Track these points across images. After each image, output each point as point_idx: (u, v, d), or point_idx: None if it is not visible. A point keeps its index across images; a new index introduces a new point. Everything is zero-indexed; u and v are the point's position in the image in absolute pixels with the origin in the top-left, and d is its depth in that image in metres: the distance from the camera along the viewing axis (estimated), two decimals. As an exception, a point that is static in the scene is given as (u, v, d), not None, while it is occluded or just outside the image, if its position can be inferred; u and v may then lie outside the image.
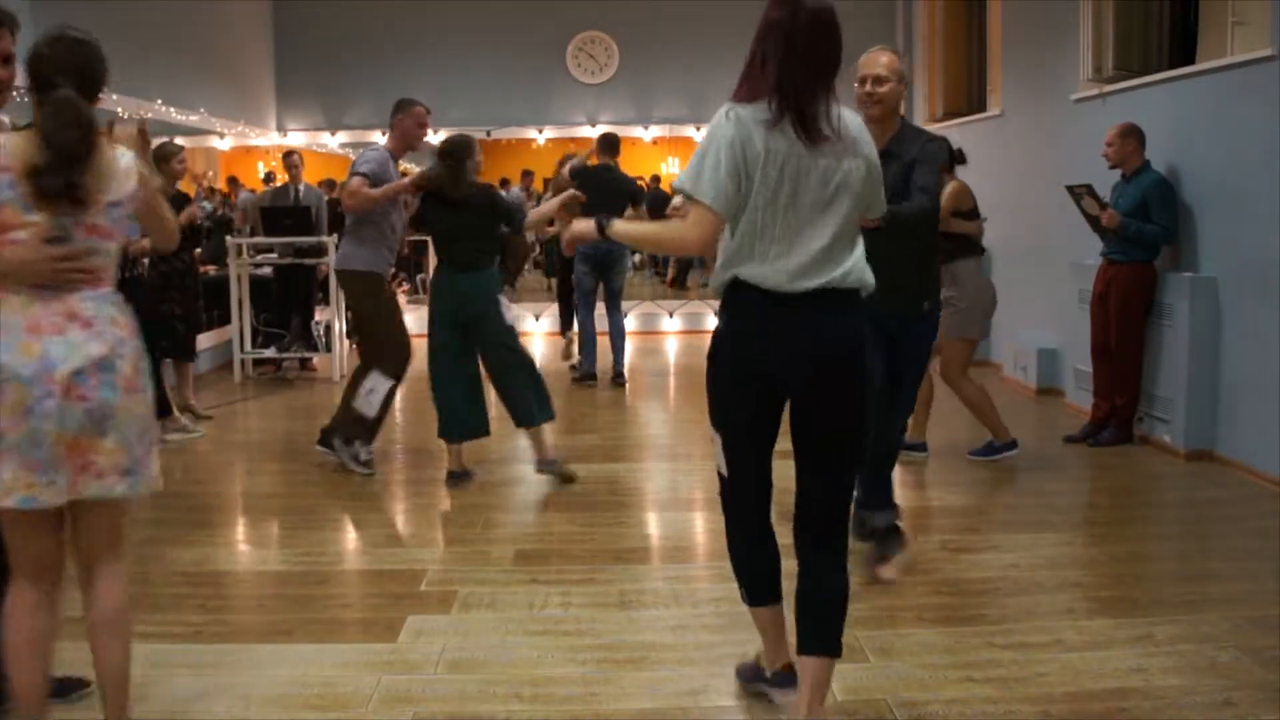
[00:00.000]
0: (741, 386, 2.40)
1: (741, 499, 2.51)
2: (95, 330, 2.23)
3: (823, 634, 2.40)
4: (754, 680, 2.71)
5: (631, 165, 11.65)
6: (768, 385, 2.38)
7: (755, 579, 2.55)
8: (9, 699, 2.32)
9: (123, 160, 2.31)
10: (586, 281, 7.18)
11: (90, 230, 2.24)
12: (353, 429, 4.98)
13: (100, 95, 2.32)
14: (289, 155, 8.08)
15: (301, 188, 7.95)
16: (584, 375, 7.27)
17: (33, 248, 2.17)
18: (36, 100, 2.23)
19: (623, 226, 2.55)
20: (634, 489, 4.85)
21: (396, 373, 4.97)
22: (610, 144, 7.20)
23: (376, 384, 4.88)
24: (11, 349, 2.16)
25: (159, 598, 3.48)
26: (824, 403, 2.37)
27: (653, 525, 4.33)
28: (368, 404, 4.88)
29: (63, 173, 2.17)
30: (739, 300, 2.36)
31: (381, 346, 4.96)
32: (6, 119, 2.58)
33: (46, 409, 2.16)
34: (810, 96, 2.26)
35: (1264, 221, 4.68)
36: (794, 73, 2.24)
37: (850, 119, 2.36)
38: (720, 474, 2.51)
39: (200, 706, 2.73)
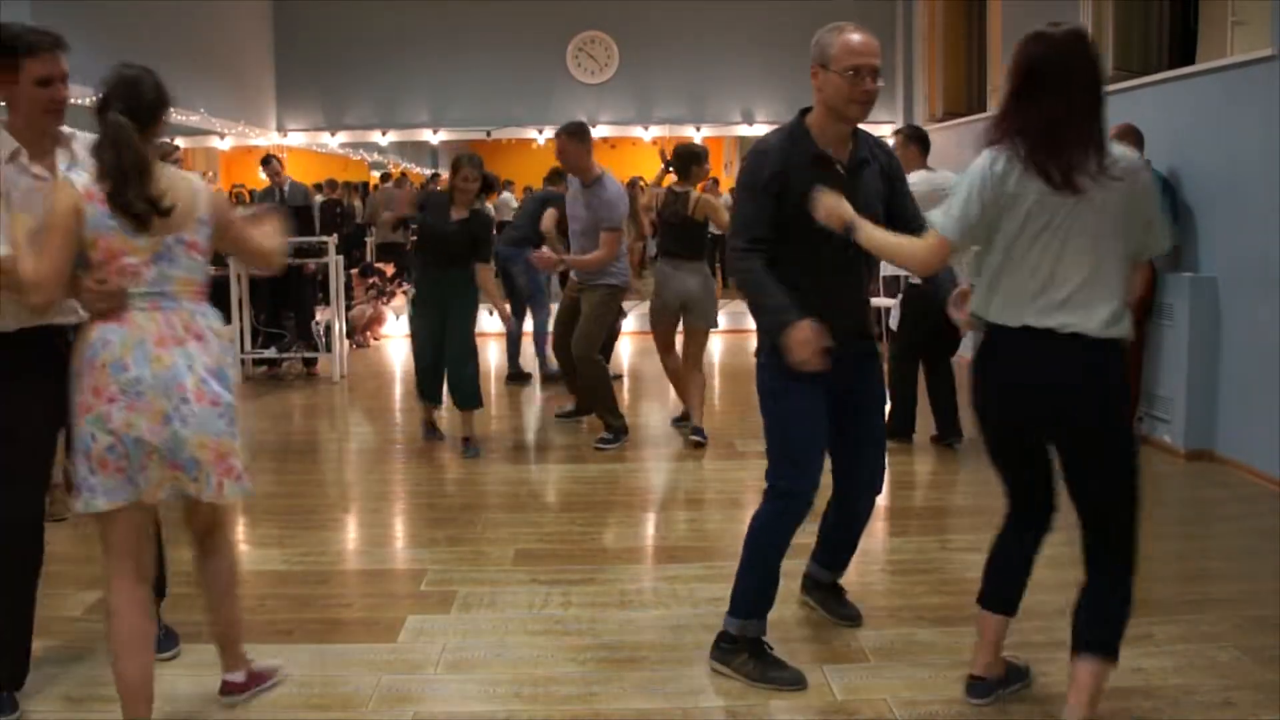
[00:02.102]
0: None
1: None
2: (206, 341, 2.45)
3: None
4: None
5: (632, 166, 11.71)
6: None
7: None
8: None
9: (193, 180, 2.52)
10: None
11: (191, 247, 2.45)
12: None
13: (156, 123, 2.47)
14: (268, 162, 8.08)
15: (286, 188, 7.96)
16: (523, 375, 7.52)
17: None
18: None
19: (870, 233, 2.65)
20: (634, 489, 4.85)
21: None
22: (559, 175, 7.43)
23: None
24: (144, 362, 2.35)
25: (159, 598, 3.48)
26: None
27: (653, 525, 4.33)
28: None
29: (132, 190, 2.33)
30: None
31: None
32: (72, 130, 2.76)
33: (185, 415, 2.36)
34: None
35: (1264, 221, 4.68)
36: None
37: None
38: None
39: (200, 706, 2.73)
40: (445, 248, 5.23)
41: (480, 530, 4.20)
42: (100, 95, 2.40)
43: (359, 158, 11.48)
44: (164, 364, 2.36)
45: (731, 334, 10.09)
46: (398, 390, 7.54)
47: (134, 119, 2.37)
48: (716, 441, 5.65)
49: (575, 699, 2.76)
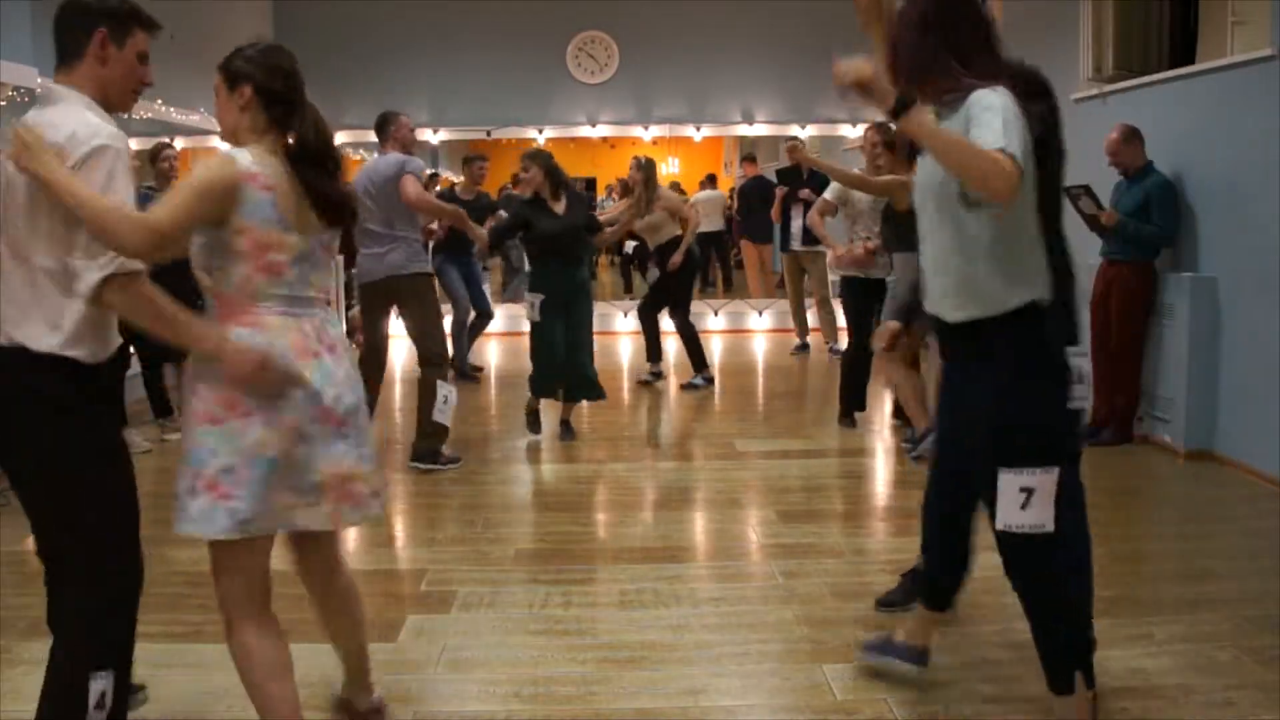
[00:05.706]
0: None
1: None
2: (339, 354, 2.21)
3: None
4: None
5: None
6: None
7: None
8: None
9: None
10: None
11: (326, 250, 2.22)
12: (436, 440, 5.12)
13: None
14: None
15: None
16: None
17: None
18: (281, 115, 2.16)
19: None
20: (634, 489, 4.85)
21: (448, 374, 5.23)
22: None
23: (448, 392, 5.02)
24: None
25: (159, 598, 3.46)
26: None
27: (653, 525, 4.32)
28: (444, 414, 5.02)
29: (335, 182, 2.17)
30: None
31: (441, 349, 5.14)
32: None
33: (316, 434, 2.13)
34: None
35: (1264, 221, 4.68)
36: None
37: None
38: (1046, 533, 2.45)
39: (200, 706, 2.73)
40: (565, 245, 5.45)
41: (480, 530, 4.20)
42: (283, 74, 2.16)
43: (359, 158, 11.46)
44: (304, 379, 2.11)
45: (731, 334, 10.09)
46: (397, 390, 7.53)
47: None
48: (716, 441, 5.65)
49: (575, 699, 2.76)
